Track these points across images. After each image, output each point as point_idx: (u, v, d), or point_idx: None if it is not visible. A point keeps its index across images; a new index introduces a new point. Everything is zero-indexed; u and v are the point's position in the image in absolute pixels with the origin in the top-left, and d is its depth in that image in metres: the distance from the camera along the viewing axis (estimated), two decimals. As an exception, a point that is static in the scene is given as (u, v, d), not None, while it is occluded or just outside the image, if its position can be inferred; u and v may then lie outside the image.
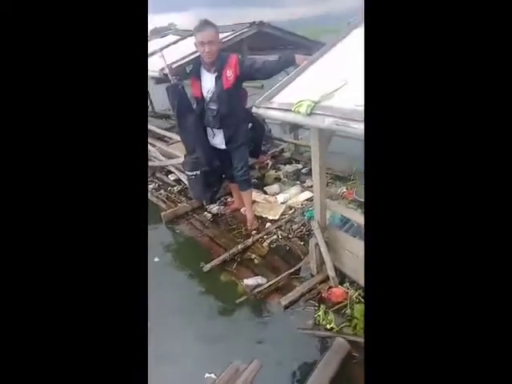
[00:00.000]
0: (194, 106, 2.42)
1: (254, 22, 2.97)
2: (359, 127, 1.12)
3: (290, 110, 1.39)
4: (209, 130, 2.48)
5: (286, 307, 2.06)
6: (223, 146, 2.49)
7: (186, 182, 3.05)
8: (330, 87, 1.37)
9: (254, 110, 1.62)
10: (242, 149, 2.54)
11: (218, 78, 2.24)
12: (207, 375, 1.74)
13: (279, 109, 1.48)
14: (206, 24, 2.12)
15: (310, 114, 1.31)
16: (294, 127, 1.77)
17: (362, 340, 1.78)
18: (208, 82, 2.29)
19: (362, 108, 1.17)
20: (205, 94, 2.33)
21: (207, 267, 2.45)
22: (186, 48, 2.74)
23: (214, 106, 2.31)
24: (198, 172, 2.52)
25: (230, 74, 2.22)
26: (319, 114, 1.29)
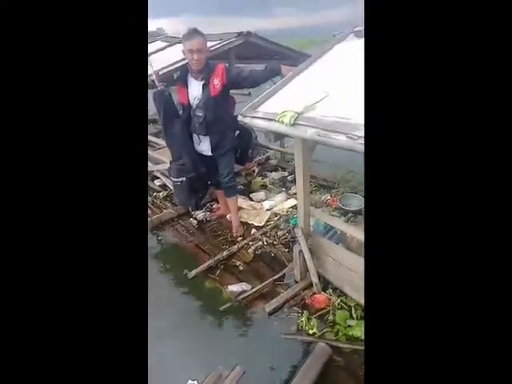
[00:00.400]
0: (180, 113, 2.44)
1: (242, 32, 3.00)
2: (340, 139, 1.16)
3: (275, 120, 1.43)
4: (195, 136, 2.50)
5: (271, 314, 2.07)
6: (209, 153, 2.52)
7: (172, 188, 3.05)
8: (312, 99, 1.41)
9: (239, 118, 1.65)
10: (228, 155, 2.56)
11: (205, 86, 2.27)
12: (190, 382, 1.72)
13: (264, 118, 1.51)
14: (194, 32, 2.15)
15: (294, 125, 1.35)
16: (279, 136, 1.81)
17: (343, 345, 1.82)
18: (195, 90, 2.32)
19: (343, 120, 1.23)
20: (191, 100, 2.35)
21: (192, 274, 2.45)
22: (174, 55, 2.76)
23: (200, 113, 2.33)
24: (184, 178, 2.53)
25: (217, 82, 2.25)
26: (302, 124, 1.33)
